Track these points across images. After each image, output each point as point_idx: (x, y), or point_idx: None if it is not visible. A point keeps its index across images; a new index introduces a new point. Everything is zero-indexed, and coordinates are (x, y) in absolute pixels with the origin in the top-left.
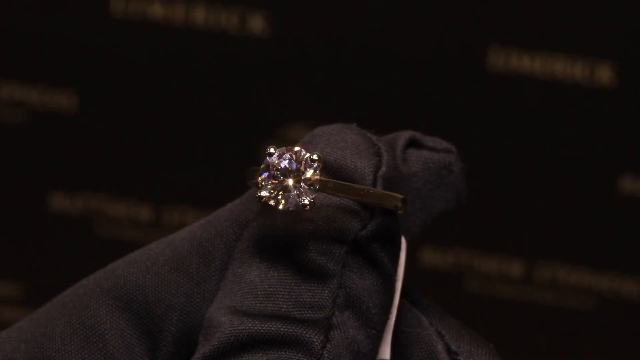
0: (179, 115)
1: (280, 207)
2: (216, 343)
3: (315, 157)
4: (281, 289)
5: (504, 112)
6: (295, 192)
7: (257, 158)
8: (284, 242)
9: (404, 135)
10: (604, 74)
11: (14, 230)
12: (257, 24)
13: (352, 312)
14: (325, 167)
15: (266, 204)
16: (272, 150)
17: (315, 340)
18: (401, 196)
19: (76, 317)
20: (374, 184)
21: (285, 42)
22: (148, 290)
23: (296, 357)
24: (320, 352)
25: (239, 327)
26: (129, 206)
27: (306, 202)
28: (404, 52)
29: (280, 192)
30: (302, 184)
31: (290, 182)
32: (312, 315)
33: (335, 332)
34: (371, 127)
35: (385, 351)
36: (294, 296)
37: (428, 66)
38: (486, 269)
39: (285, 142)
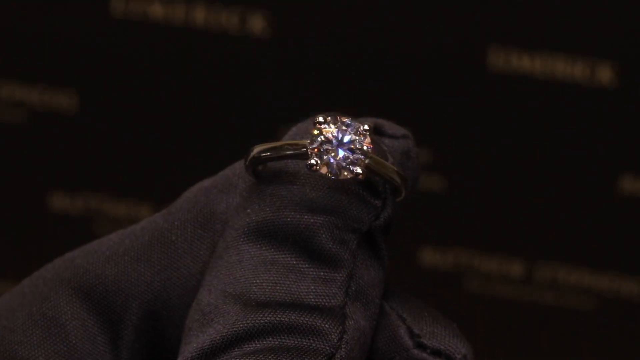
0: (179, 115)
1: (331, 175)
2: (227, 331)
3: (366, 127)
4: (292, 275)
5: (504, 112)
6: (348, 160)
7: None
8: (292, 228)
9: (366, 123)
10: (604, 74)
11: (14, 230)
12: (257, 24)
13: (361, 303)
14: None
15: (316, 172)
16: (321, 119)
17: (333, 330)
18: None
19: (37, 308)
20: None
21: (285, 42)
22: (108, 280)
23: (315, 346)
24: (338, 343)
25: (254, 316)
26: (129, 206)
27: (359, 170)
28: (404, 52)
29: (332, 161)
30: (355, 153)
31: (344, 150)
32: (327, 303)
33: (350, 323)
34: None
35: None
36: (306, 283)
37: (428, 66)
38: (486, 269)
39: None
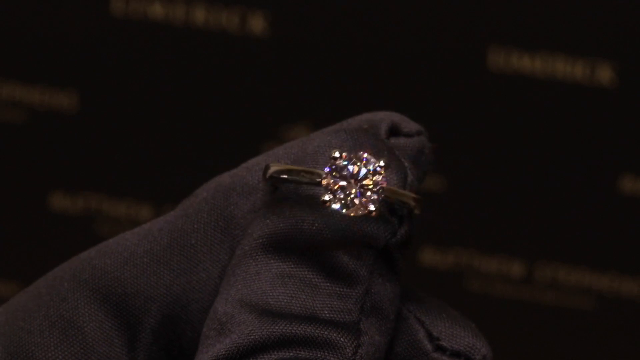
0: (179, 115)
1: (345, 211)
2: (242, 341)
3: (382, 163)
4: (308, 290)
5: (504, 112)
6: (362, 197)
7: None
8: (310, 243)
9: (382, 125)
10: (604, 74)
11: (14, 230)
12: (257, 24)
13: (376, 318)
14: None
15: (327, 207)
16: (337, 154)
17: (348, 344)
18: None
19: (54, 309)
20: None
21: (285, 42)
22: (127, 282)
23: (329, 359)
24: (353, 357)
25: (270, 327)
26: (129, 206)
27: (372, 208)
28: (404, 52)
29: (346, 197)
30: (369, 191)
31: (358, 187)
32: (342, 318)
33: (365, 338)
34: None
35: None
36: (321, 298)
37: (428, 66)
38: (486, 269)
39: (286, 142)
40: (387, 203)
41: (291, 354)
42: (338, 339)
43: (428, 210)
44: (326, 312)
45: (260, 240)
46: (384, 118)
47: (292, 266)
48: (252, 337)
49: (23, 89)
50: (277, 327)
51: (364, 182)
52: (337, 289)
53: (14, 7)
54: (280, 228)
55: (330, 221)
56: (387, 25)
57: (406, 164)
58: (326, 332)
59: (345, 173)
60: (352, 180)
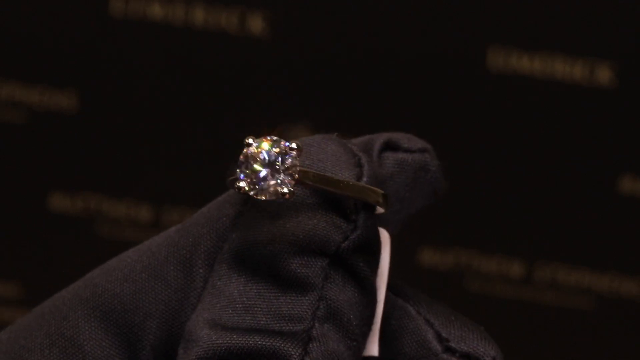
0: (179, 115)
1: (260, 197)
2: (194, 357)
3: (294, 145)
4: (260, 302)
5: (503, 112)
6: (274, 181)
7: None
8: (264, 255)
9: (379, 139)
10: (604, 74)
11: (14, 230)
12: (257, 24)
13: (333, 324)
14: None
15: (245, 195)
16: (250, 140)
17: (293, 352)
18: (382, 192)
19: (55, 328)
20: None
21: (285, 42)
22: (126, 299)
23: None
24: None
25: (217, 342)
26: (129, 206)
27: (285, 190)
28: (404, 52)
29: (260, 182)
30: (282, 174)
31: (270, 171)
32: (291, 328)
33: (315, 345)
34: (371, 127)
35: (373, 348)
36: (272, 309)
37: (428, 66)
38: (486, 269)
39: None
40: (340, 206)
41: None
42: (282, 347)
43: (428, 210)
44: (275, 322)
45: (226, 256)
46: (384, 134)
47: (248, 279)
48: (199, 352)
49: (23, 89)
50: (223, 341)
51: (277, 166)
52: (288, 298)
53: (14, 7)
54: (240, 242)
55: (283, 231)
56: (387, 25)
57: (365, 164)
58: (271, 342)
59: (257, 159)
60: (264, 165)
